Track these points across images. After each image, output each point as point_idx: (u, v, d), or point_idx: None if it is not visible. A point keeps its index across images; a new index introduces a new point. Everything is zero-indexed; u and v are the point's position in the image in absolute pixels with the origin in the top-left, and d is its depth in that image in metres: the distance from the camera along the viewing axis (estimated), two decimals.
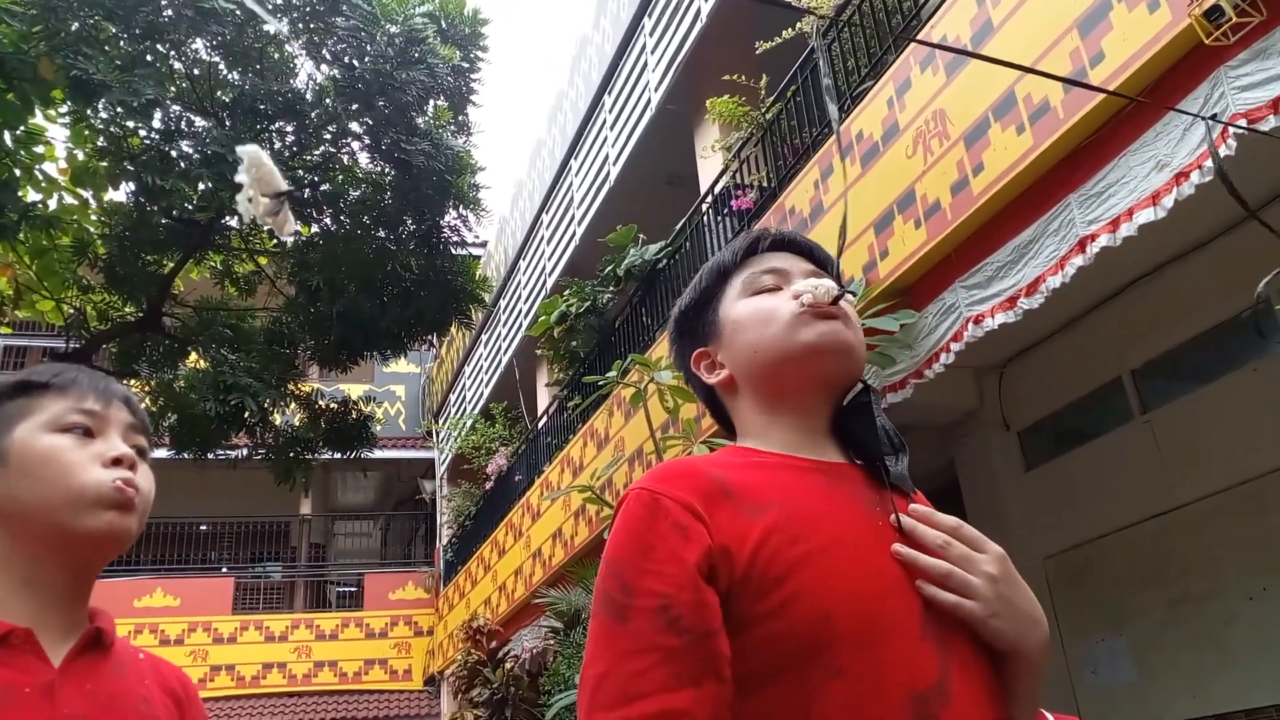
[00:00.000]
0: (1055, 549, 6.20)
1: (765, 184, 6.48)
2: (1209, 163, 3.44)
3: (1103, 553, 5.87)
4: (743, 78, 6.79)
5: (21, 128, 6.89)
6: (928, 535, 1.02)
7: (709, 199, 7.26)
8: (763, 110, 6.66)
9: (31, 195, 7.39)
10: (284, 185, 1.33)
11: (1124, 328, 5.67)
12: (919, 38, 4.57)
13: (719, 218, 7.07)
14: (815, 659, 0.92)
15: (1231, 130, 3.40)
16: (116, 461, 1.18)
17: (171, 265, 8.26)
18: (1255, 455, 4.83)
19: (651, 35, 8.70)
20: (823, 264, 1.18)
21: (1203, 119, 3.41)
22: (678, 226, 7.80)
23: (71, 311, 8.58)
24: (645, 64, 8.77)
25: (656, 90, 8.49)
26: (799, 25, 6.07)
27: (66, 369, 1.25)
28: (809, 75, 5.82)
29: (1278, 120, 3.29)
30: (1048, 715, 3.43)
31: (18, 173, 7.01)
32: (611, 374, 5.58)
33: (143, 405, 1.35)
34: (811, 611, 0.93)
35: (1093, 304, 5.71)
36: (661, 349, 7.18)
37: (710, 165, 7.81)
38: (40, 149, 7.30)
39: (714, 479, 0.99)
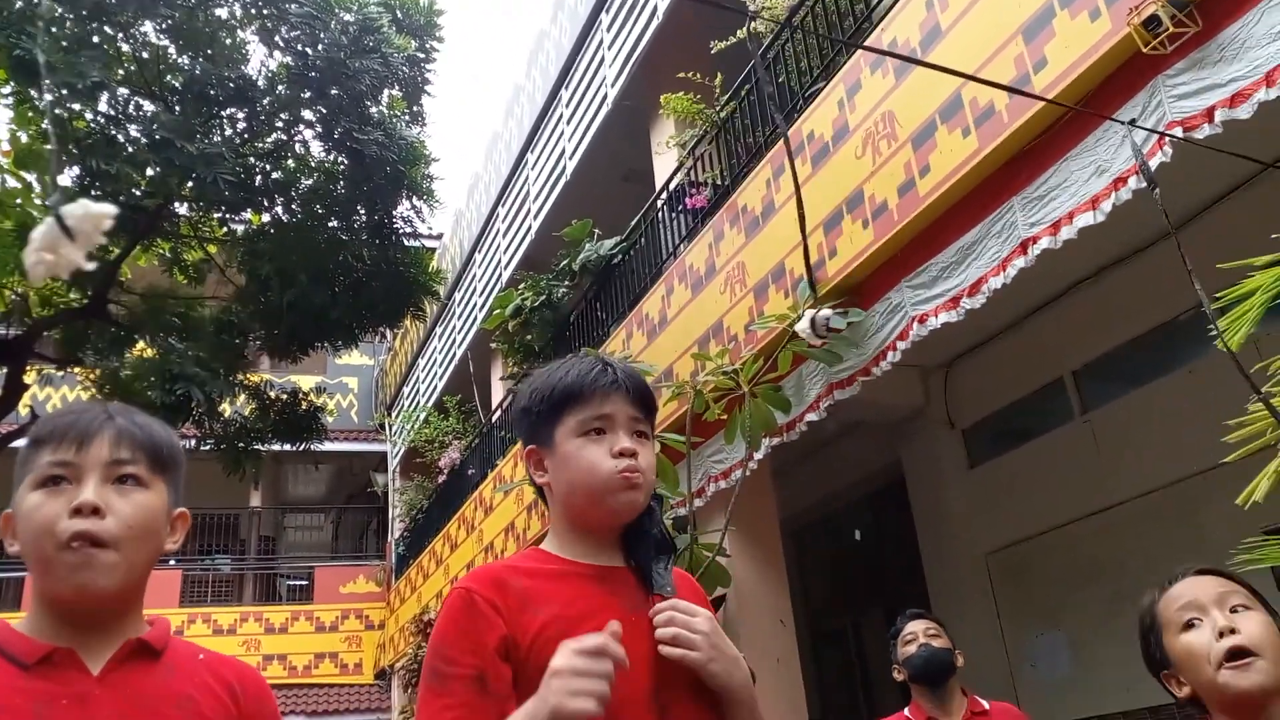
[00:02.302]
0: (997, 545, 6.32)
1: (719, 182, 6.51)
2: (1152, 162, 3.52)
3: (1043, 549, 5.99)
4: (698, 75, 6.82)
5: None
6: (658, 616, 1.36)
7: (664, 195, 7.28)
8: (717, 108, 6.69)
9: None
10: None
11: (1065, 330, 5.78)
12: (866, 44, 4.63)
13: (674, 214, 7.09)
14: None
15: (1167, 138, 3.49)
16: (78, 511, 1.19)
17: (118, 251, 8.11)
18: (1189, 455, 4.96)
19: (609, 31, 8.70)
20: (647, 406, 1.47)
21: (1122, 122, 3.49)
22: (633, 222, 7.81)
23: (14, 297, 8.39)
24: (602, 59, 8.77)
25: (613, 86, 8.49)
26: (753, 25, 6.10)
27: (62, 415, 1.27)
28: (761, 75, 5.85)
29: (1212, 129, 3.37)
30: (983, 703, 3.50)
31: None
32: None
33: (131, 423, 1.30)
34: None
35: (1035, 306, 5.83)
36: (616, 343, 7.19)
37: (665, 162, 7.82)
38: None
39: (512, 584, 1.33)
